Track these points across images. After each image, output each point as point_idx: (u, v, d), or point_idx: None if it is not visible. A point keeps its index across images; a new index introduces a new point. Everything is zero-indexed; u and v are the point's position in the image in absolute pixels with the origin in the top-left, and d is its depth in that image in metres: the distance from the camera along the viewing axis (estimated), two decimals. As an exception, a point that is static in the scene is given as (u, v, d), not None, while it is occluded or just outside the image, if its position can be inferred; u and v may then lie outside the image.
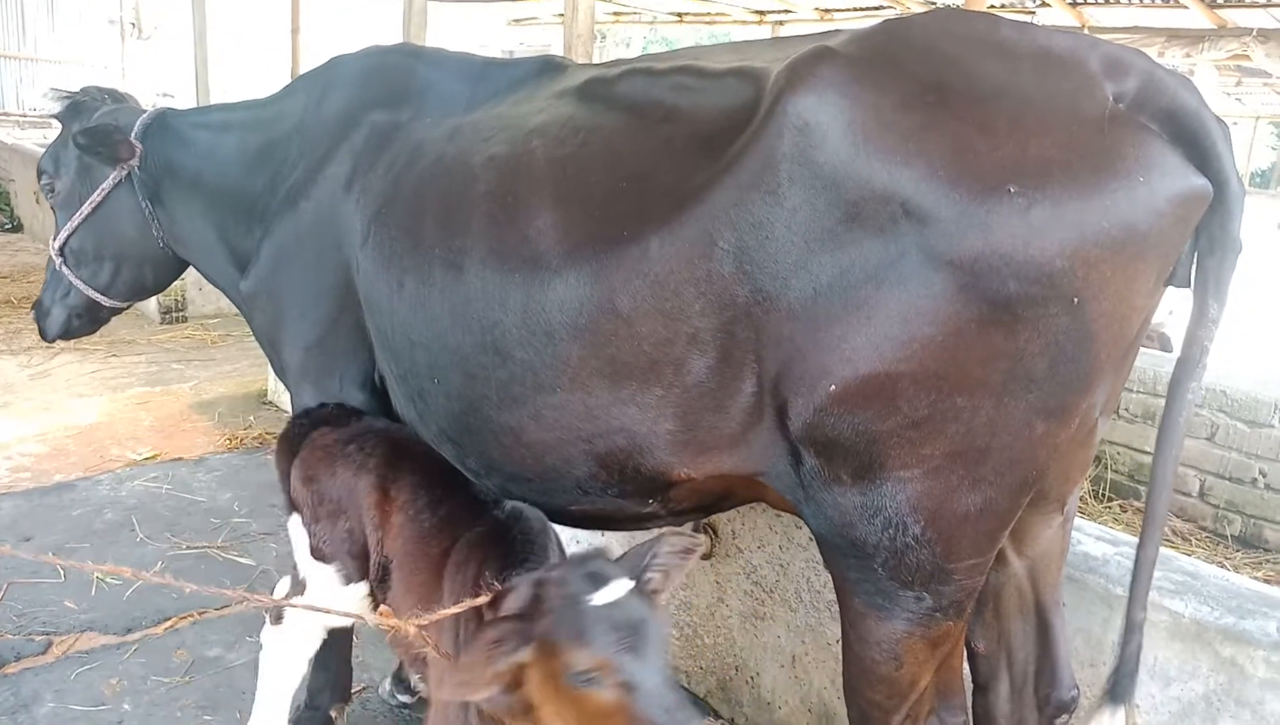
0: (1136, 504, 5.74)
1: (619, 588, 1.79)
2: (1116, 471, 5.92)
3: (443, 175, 2.54)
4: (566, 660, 1.73)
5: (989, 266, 1.74)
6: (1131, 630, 2.09)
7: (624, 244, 2.10)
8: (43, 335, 3.80)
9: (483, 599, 1.95)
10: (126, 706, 3.48)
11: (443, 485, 2.57)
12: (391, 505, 2.54)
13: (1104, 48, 1.86)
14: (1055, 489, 2.23)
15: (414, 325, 2.54)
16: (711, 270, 1.99)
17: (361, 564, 2.63)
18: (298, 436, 2.83)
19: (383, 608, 2.06)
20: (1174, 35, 10.04)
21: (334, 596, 2.64)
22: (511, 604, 1.85)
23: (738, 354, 2.03)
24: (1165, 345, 6.47)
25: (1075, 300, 1.75)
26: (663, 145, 2.17)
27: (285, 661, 2.91)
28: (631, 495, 2.37)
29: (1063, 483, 2.23)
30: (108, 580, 4.29)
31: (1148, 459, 5.77)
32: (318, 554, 2.70)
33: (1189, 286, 1.90)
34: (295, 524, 2.78)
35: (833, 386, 1.90)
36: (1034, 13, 10.67)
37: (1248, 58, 9.69)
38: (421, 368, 2.57)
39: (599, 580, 1.80)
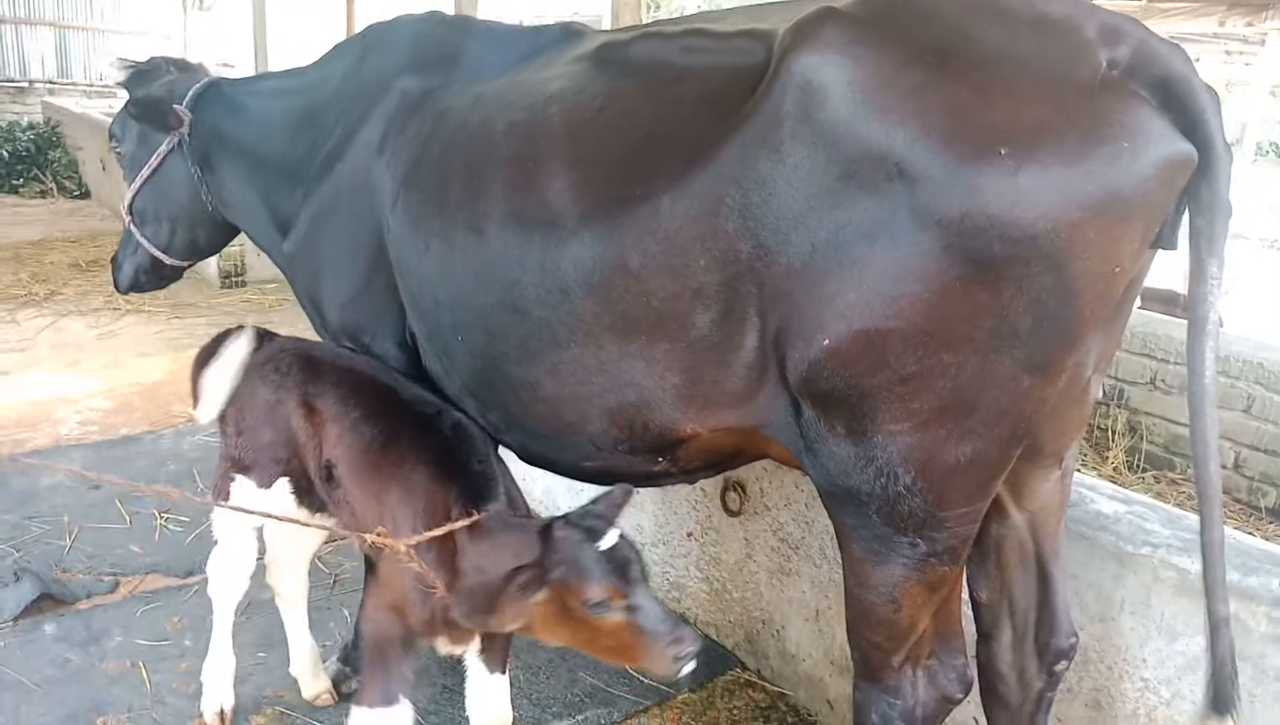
0: (1171, 476, 5.71)
1: (612, 536, 2.24)
2: (1152, 442, 5.89)
3: (467, 141, 2.62)
4: (585, 596, 2.19)
5: (975, 226, 1.79)
6: (1217, 628, 1.95)
7: (636, 203, 2.18)
8: (116, 286, 4.07)
9: (462, 523, 2.35)
10: (187, 643, 3.71)
11: (373, 394, 2.75)
12: (321, 417, 2.74)
13: (1101, 15, 1.89)
14: (1051, 444, 2.29)
15: (439, 286, 2.64)
16: (717, 227, 2.06)
17: (277, 469, 2.87)
18: (213, 351, 3.05)
19: (379, 528, 2.28)
20: (1235, 4, 9.83)
21: (253, 500, 2.88)
22: (527, 552, 2.28)
23: (740, 309, 2.10)
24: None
25: (1058, 260, 1.79)
26: (674, 107, 2.23)
27: (228, 582, 3.13)
28: (641, 452, 2.46)
29: (1058, 438, 2.29)
30: (169, 527, 4.54)
31: (1183, 431, 5.77)
32: (238, 464, 2.92)
33: (1174, 249, 1.94)
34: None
35: (826, 341, 1.96)
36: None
37: (1312, 25, 9.46)
38: (446, 327, 2.68)
39: (597, 532, 2.23)
